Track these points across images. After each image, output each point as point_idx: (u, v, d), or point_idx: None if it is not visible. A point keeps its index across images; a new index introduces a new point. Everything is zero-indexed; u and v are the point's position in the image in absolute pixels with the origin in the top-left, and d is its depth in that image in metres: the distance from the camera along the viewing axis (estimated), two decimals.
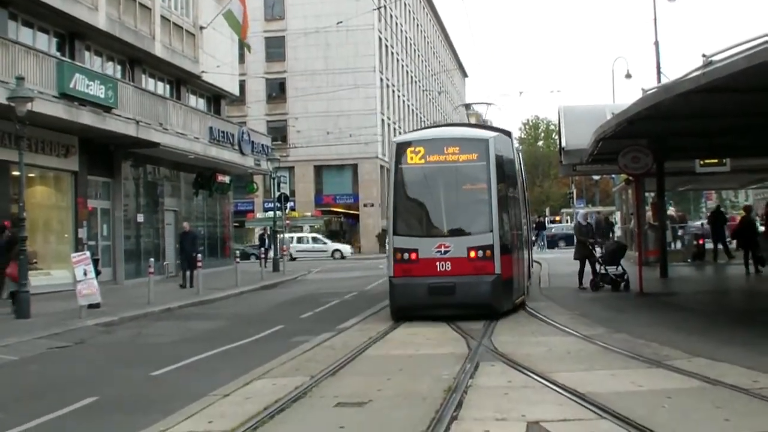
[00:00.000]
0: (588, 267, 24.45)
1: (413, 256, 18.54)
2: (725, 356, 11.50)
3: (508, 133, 22.54)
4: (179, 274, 32.52)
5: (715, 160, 27.56)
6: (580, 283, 24.37)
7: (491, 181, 18.85)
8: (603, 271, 23.75)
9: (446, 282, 18.10)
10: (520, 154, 25.77)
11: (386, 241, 22.65)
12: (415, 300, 18.31)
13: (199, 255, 29.71)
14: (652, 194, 31.42)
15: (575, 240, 26.34)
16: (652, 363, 11.32)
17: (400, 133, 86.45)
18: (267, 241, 49.57)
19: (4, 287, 22.51)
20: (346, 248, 67.57)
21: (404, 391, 10.06)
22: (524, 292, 21.56)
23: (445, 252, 18.39)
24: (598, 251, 25.01)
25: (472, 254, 18.39)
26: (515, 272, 19.83)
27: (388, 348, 13.98)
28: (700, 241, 35.61)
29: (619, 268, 23.65)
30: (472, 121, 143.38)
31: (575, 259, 25.14)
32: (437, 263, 18.34)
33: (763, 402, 8.73)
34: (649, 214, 32.90)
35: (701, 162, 27.53)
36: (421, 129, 29.95)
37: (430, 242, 18.56)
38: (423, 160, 19.35)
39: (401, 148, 19.56)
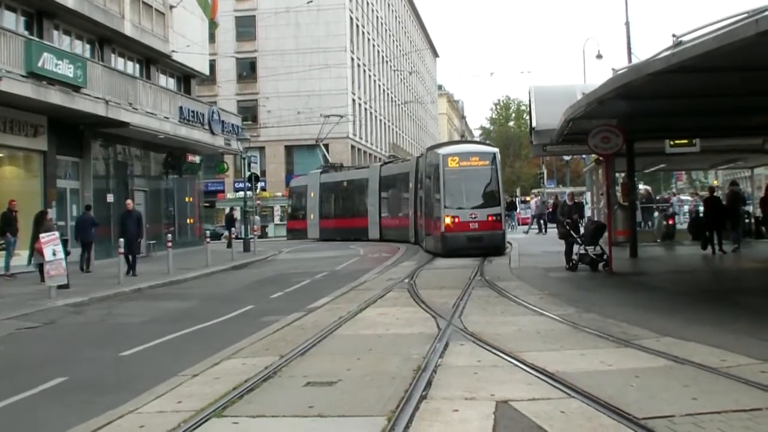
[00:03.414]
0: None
1: (456, 219, 32.50)
2: (693, 335, 11.58)
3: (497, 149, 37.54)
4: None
5: (685, 141, 27.62)
6: (568, 262, 24.22)
7: (498, 177, 34.09)
8: (582, 251, 23.76)
9: (476, 234, 32.27)
10: None
11: (436, 213, 34.12)
12: (459, 244, 32.11)
13: (169, 236, 29.46)
14: (623, 174, 31.53)
15: (558, 221, 26.53)
16: (621, 342, 11.36)
17: (371, 112, 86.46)
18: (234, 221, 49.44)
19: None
20: None
21: (374, 370, 10.05)
22: (509, 243, 35.25)
23: (474, 217, 32.53)
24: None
25: (489, 218, 32.75)
26: (506, 230, 35.92)
27: (357, 328, 13.94)
28: (670, 221, 35.82)
29: (598, 248, 23.65)
30: (444, 101, 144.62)
31: (560, 238, 25.18)
32: (470, 224, 32.39)
33: (730, 380, 8.78)
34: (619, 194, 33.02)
35: (671, 142, 27.60)
36: (451, 144, 47.11)
37: (466, 212, 32.60)
38: (458, 165, 33.63)
39: (444, 157, 34.00)
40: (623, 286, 20.13)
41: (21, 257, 26.75)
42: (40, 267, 23.74)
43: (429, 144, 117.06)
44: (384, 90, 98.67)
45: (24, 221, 26.66)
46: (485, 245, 31.80)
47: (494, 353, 10.84)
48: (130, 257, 27.26)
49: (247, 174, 45.25)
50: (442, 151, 35.58)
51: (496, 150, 36.01)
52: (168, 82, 44.45)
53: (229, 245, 41.28)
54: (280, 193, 76.15)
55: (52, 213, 29.48)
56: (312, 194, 57.47)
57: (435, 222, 33.91)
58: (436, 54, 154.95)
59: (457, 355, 10.86)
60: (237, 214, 55.53)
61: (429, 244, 35.57)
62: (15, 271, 26.04)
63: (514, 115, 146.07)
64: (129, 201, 30.30)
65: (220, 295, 22.76)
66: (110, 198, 35.18)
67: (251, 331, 14.14)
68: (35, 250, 23.72)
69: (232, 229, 45.30)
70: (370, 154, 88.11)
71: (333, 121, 59.08)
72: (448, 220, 32.40)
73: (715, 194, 30.37)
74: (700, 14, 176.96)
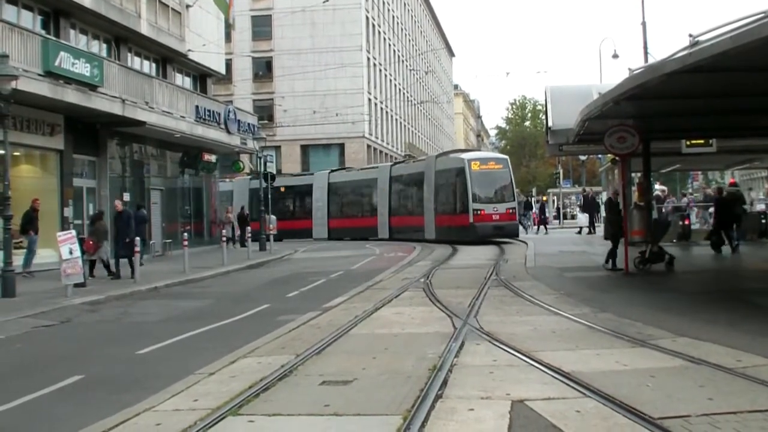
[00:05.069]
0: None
1: (482, 212, 40.85)
2: (709, 336, 11.57)
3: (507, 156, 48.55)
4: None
5: (702, 141, 27.51)
6: (614, 264, 23.55)
7: (511, 177, 42.95)
8: (656, 250, 23.25)
9: (499, 224, 40.96)
10: None
11: (461, 208, 42.50)
12: (486, 232, 40.58)
13: (185, 235, 29.37)
14: (639, 174, 31.44)
15: (605, 218, 26.34)
16: (637, 342, 11.36)
17: (387, 111, 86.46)
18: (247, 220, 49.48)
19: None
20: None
21: (389, 369, 10.08)
22: (524, 243, 38.49)
23: (496, 210, 41.18)
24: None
25: (508, 211, 41.52)
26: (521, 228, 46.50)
27: (373, 327, 13.96)
28: (686, 222, 35.71)
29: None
30: (460, 101, 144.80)
31: (606, 238, 24.84)
32: (493, 215, 40.95)
33: (746, 381, 8.77)
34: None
35: (687, 142, 27.49)
36: (459, 152, 55.72)
37: (490, 206, 41.17)
38: (479, 168, 42.04)
39: (469, 162, 42.38)
40: (638, 286, 20.10)
41: (41, 255, 26.82)
42: (92, 263, 25.47)
43: (445, 143, 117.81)
44: (400, 89, 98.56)
45: (43, 220, 26.77)
46: (505, 233, 41.28)
47: (510, 353, 10.85)
48: (126, 260, 25.96)
49: (263, 173, 45.24)
50: (465, 156, 45.04)
51: (507, 156, 47.95)
52: (184, 81, 44.48)
53: (243, 244, 41.30)
54: None
55: (69, 211, 29.70)
56: (242, 199, 58.59)
57: (460, 215, 42.18)
58: (452, 53, 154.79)
59: (472, 355, 10.87)
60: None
61: (448, 235, 42.90)
62: (33, 269, 26.10)
63: (530, 114, 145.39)
64: (118, 201, 29.37)
65: (235, 294, 22.79)
66: (126, 197, 35.18)
67: (267, 330, 14.19)
68: (85, 248, 24.27)
69: (246, 228, 45.32)
70: (386, 154, 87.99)
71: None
72: (476, 213, 40.93)
73: (724, 194, 30.31)
74: (717, 14, 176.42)
